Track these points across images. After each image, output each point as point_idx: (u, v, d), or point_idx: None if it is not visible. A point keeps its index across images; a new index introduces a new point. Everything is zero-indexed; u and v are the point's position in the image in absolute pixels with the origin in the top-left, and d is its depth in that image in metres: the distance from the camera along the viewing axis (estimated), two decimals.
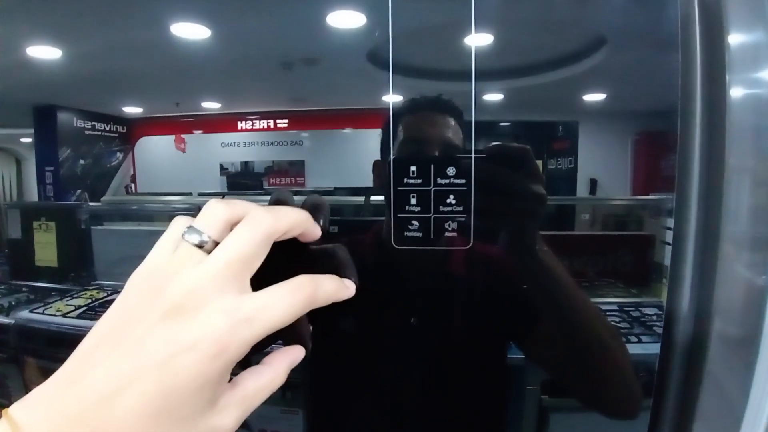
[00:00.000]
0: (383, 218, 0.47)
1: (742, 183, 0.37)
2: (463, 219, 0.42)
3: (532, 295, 0.46)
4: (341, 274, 0.30)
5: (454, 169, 0.42)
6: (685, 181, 0.40)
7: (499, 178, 0.43)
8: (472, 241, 0.43)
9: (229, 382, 0.25)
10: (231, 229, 0.26)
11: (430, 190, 0.42)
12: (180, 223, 0.27)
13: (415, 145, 0.46)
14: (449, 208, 0.42)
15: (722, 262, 0.37)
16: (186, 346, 0.22)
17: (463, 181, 0.42)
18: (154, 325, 0.23)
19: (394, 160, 0.44)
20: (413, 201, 0.43)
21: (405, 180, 0.42)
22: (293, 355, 0.29)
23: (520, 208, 0.44)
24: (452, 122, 0.46)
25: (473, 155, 0.42)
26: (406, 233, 0.43)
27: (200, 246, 0.25)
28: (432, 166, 0.42)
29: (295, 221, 0.28)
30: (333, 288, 0.28)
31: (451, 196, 0.42)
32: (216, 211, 0.26)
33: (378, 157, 0.49)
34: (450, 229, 0.42)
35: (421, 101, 0.47)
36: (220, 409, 0.24)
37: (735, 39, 0.38)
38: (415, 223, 0.42)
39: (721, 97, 0.38)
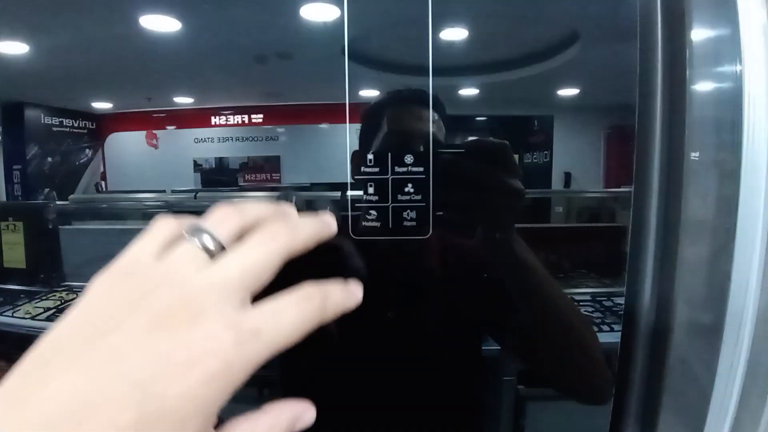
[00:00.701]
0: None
1: (703, 174, 0.38)
2: (422, 208, 0.43)
3: (507, 286, 0.47)
4: (346, 271, 0.27)
5: (411, 158, 0.42)
6: (645, 172, 0.41)
7: (477, 173, 0.42)
8: (431, 230, 0.43)
9: (216, 429, 0.21)
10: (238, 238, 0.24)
11: (388, 178, 0.42)
12: (166, 223, 0.24)
13: (399, 138, 0.46)
14: (407, 197, 0.42)
15: (683, 251, 0.38)
16: (180, 363, 0.18)
17: (421, 169, 0.42)
18: (136, 336, 0.18)
19: (355, 151, 0.44)
20: (371, 190, 0.43)
21: (362, 168, 0.43)
22: (300, 411, 0.24)
23: (498, 203, 0.44)
24: (435, 116, 0.46)
25: (431, 146, 0.42)
26: (363, 223, 0.43)
27: (206, 250, 0.23)
28: (390, 155, 0.43)
29: (313, 235, 0.26)
30: (342, 298, 0.25)
31: (410, 185, 0.42)
32: (230, 216, 0.24)
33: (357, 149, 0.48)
34: (408, 218, 0.43)
35: (406, 94, 0.47)
36: None
37: (697, 33, 0.38)
38: (373, 212, 0.42)
39: (681, 90, 0.38)
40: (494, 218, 0.45)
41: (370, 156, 0.42)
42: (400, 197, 0.42)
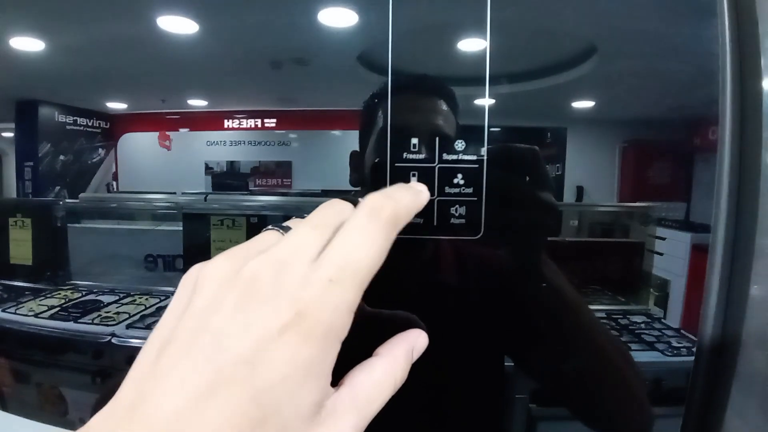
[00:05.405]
0: None
1: None
2: (473, 203, 0.35)
3: (533, 312, 0.41)
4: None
5: (463, 143, 0.35)
6: (719, 191, 0.38)
7: (500, 185, 0.36)
8: (482, 230, 0.35)
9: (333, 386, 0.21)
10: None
11: (435, 167, 0.35)
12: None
13: (394, 135, 0.38)
14: (456, 190, 0.35)
15: (756, 272, 0.35)
16: (273, 329, 0.18)
17: (473, 157, 0.35)
18: (229, 312, 0.18)
19: (391, 129, 0.36)
20: (413, 180, 0.35)
21: (405, 155, 0.35)
22: (412, 340, 0.23)
23: (527, 222, 0.37)
24: (443, 106, 0.39)
25: (486, 130, 0.37)
26: None
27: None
28: (437, 139, 0.35)
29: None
30: (409, 198, 0.23)
31: (459, 176, 0.35)
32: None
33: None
34: (457, 215, 0.35)
35: (404, 81, 0.39)
36: (328, 415, 0.19)
37: None
38: None
39: (756, 103, 0.36)
40: (521, 239, 0.38)
41: (414, 140, 0.35)
42: (447, 189, 0.35)
